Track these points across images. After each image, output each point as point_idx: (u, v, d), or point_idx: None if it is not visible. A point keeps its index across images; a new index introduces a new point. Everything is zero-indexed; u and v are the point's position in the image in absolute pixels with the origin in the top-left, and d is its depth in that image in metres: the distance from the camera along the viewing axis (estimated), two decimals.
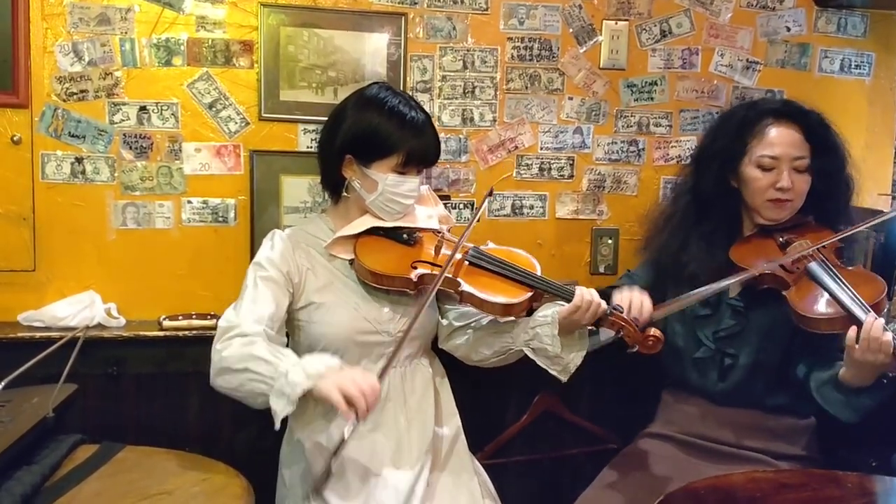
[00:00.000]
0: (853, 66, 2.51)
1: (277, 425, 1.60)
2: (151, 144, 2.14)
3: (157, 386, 2.11)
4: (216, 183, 2.19)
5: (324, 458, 1.74)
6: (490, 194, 2.00)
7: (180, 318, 2.11)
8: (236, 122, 2.18)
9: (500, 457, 2.28)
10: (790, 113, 1.95)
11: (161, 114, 2.14)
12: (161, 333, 2.09)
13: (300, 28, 2.17)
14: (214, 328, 2.03)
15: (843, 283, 1.76)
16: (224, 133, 2.18)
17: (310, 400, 1.62)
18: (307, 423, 1.81)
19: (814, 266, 1.81)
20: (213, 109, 2.16)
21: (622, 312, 1.75)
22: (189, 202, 2.18)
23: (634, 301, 1.79)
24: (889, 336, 1.61)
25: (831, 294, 1.75)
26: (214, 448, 1.99)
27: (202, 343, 2.02)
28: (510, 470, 2.29)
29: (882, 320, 1.65)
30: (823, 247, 1.84)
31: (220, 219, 2.20)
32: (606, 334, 1.80)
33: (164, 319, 2.11)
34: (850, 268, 1.87)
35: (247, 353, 1.64)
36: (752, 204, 1.96)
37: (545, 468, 2.36)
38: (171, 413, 2.12)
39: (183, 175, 2.17)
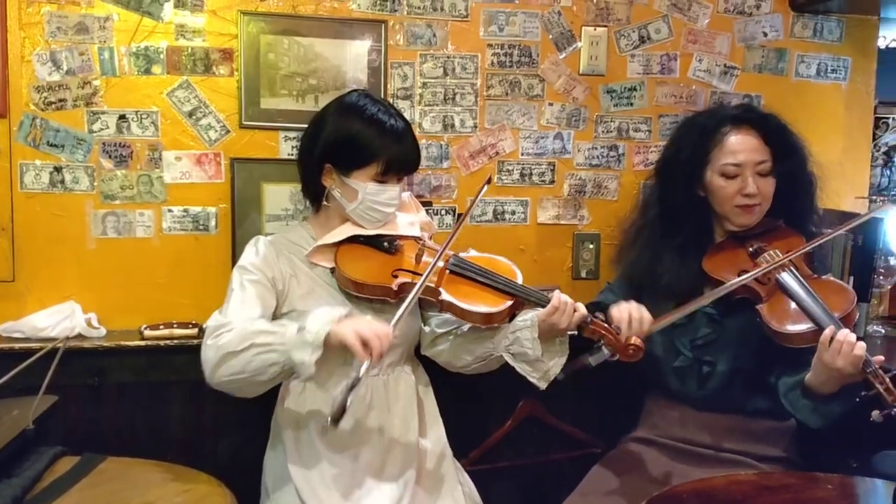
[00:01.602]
0: (830, 71, 2.53)
1: (308, 374, 1.59)
2: (131, 153, 2.13)
3: (138, 396, 2.10)
4: (197, 191, 2.18)
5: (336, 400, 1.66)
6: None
7: (161, 327, 2.10)
8: (217, 130, 2.17)
9: (484, 463, 2.28)
10: (748, 118, 1.97)
11: (141, 122, 2.13)
12: (142, 343, 2.07)
13: (280, 36, 2.17)
14: (196, 337, 2.06)
15: (815, 295, 1.77)
16: (204, 141, 2.17)
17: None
18: (307, 396, 1.81)
19: (785, 277, 1.82)
20: (194, 117, 2.16)
21: (602, 321, 1.76)
22: (169, 211, 2.17)
23: (634, 314, 1.78)
24: (861, 350, 1.61)
25: (803, 308, 1.75)
26: (197, 457, 1.98)
27: (184, 352, 2.03)
28: (495, 476, 2.29)
29: (853, 335, 1.64)
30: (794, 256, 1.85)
31: (201, 227, 2.19)
32: (599, 356, 1.79)
33: (145, 329, 2.10)
34: (821, 277, 1.87)
35: (247, 331, 1.63)
36: (720, 211, 1.97)
37: (530, 473, 2.37)
38: (153, 423, 2.11)
39: (163, 183, 2.16)
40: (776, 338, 1.77)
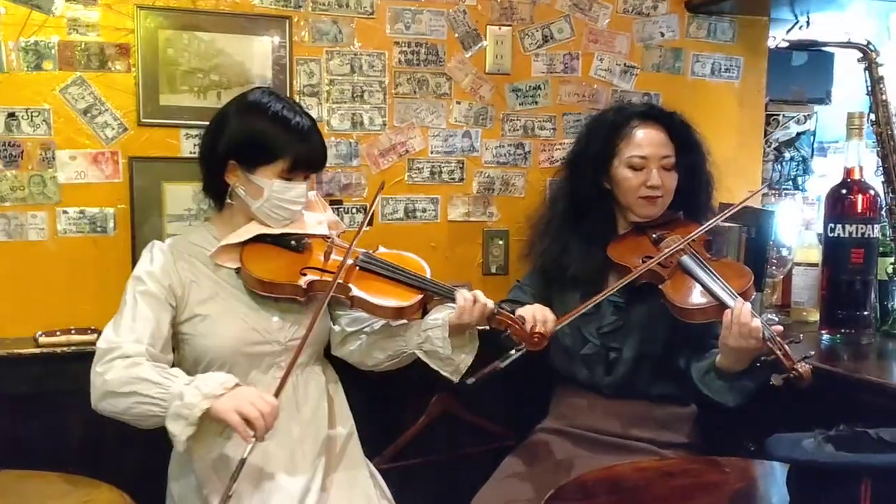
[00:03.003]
0: (723, 70, 2.63)
1: (181, 448, 1.59)
2: (22, 153, 2.03)
3: (35, 406, 2.01)
4: (93, 191, 2.10)
5: (220, 479, 1.70)
6: (378, 193, 2.02)
7: (58, 333, 2.01)
8: (113, 128, 2.10)
9: (398, 460, 2.28)
10: (654, 115, 2.06)
11: (31, 120, 2.03)
12: (37, 350, 1.98)
13: (180, 31, 2.11)
14: (95, 343, 1.97)
15: (714, 273, 1.86)
16: (101, 139, 2.09)
17: (203, 419, 1.58)
18: (199, 440, 1.75)
19: (686, 259, 1.91)
20: (89, 115, 2.07)
21: (509, 311, 1.80)
22: (65, 212, 2.08)
23: (538, 315, 1.83)
24: (757, 322, 1.70)
25: (703, 285, 1.84)
26: (100, 469, 1.89)
27: (83, 359, 1.93)
28: (409, 473, 2.29)
29: (749, 305, 1.74)
30: (693, 241, 1.94)
31: (99, 229, 2.11)
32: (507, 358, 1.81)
33: (41, 335, 2.01)
34: (720, 259, 1.98)
35: (132, 375, 1.61)
36: (625, 203, 2.04)
37: (444, 469, 2.37)
38: (51, 434, 2.02)
39: (57, 184, 2.07)
40: (679, 314, 1.84)
